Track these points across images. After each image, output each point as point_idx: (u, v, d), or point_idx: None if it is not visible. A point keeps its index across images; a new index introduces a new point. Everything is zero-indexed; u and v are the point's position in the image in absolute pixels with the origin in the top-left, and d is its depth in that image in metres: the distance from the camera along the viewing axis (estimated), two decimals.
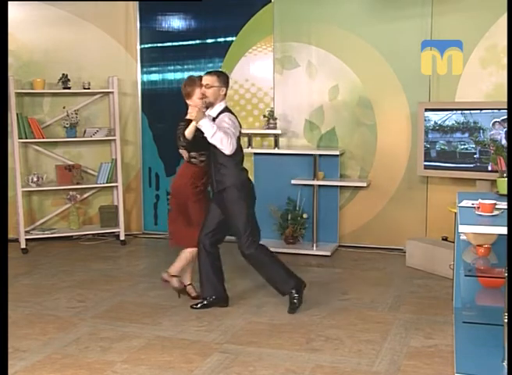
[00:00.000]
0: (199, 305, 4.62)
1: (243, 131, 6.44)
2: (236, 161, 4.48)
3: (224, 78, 4.53)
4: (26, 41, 6.50)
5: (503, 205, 3.51)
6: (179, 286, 4.75)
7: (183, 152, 4.62)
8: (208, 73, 4.56)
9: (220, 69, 4.75)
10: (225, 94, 4.54)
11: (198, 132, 4.36)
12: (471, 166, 5.48)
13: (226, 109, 4.52)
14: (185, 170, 4.67)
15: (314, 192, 6.17)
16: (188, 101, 4.57)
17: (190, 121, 4.46)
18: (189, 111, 4.56)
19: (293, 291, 4.52)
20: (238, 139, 4.47)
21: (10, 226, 5.94)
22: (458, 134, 5.54)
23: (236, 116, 4.54)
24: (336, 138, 6.27)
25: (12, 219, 6.15)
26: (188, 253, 4.70)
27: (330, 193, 6.25)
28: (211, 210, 4.59)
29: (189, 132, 4.41)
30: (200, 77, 4.56)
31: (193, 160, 4.60)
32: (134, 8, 6.75)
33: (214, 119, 4.42)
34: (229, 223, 4.53)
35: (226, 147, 4.31)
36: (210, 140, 4.31)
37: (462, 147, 5.53)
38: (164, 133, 6.86)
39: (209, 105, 4.48)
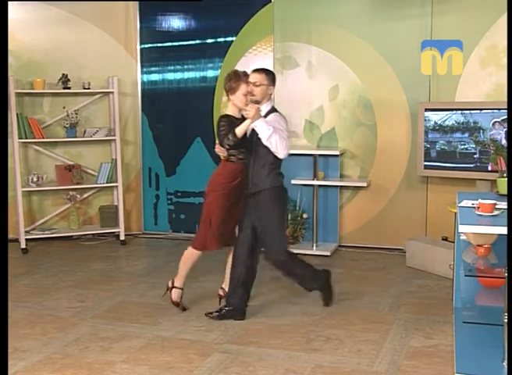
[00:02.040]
0: (215, 314, 4.39)
1: None
2: (276, 164, 4.38)
3: (272, 77, 4.38)
4: (26, 41, 6.49)
5: (503, 205, 3.51)
6: (176, 298, 4.55)
7: (221, 150, 4.37)
8: (256, 71, 4.36)
9: (267, 68, 4.57)
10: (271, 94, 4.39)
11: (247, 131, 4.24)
12: (471, 166, 5.47)
13: (274, 109, 4.39)
14: (223, 169, 4.45)
15: (314, 192, 6.17)
16: (231, 97, 4.36)
17: (231, 117, 4.34)
18: (228, 106, 4.43)
19: (325, 285, 4.56)
20: None
21: (10, 226, 5.92)
22: (458, 134, 5.54)
23: (285, 117, 4.40)
24: (335, 138, 6.26)
25: (12, 219, 6.14)
26: (189, 256, 4.49)
27: (330, 193, 6.25)
28: (246, 214, 4.42)
29: (240, 131, 4.20)
30: (245, 72, 4.39)
31: (231, 158, 4.39)
32: (134, 8, 6.75)
33: None
34: (261, 226, 4.35)
35: (281, 150, 4.22)
36: (265, 142, 4.19)
37: (462, 147, 5.53)
38: (164, 133, 6.87)
39: (255, 104, 4.32)
